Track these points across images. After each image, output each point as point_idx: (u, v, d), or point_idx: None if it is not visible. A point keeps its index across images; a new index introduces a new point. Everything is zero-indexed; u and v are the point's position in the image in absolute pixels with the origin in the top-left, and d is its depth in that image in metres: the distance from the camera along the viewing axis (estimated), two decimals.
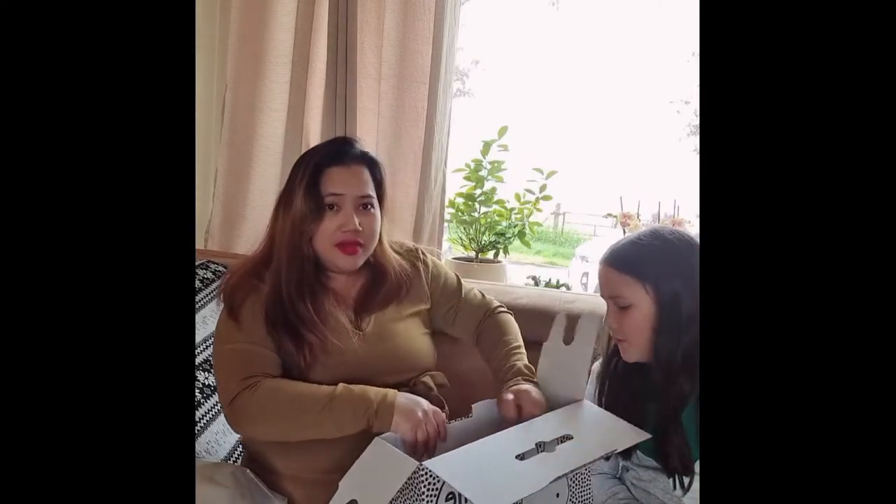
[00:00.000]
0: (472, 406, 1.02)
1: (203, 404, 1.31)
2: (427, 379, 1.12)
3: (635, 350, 1.04)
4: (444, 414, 0.99)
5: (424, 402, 0.99)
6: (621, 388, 1.08)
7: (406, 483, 0.86)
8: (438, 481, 0.83)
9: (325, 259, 1.09)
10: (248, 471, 1.06)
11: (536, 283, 2.16)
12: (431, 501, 0.83)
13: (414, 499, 0.85)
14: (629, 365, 1.07)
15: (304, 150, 1.92)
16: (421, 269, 1.19)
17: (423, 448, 0.94)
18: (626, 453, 1.09)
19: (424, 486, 0.83)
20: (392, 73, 1.87)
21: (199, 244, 2.00)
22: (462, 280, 1.26)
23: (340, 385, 1.01)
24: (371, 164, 1.11)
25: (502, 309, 1.25)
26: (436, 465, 0.82)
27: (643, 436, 0.94)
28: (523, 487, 0.80)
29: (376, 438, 0.91)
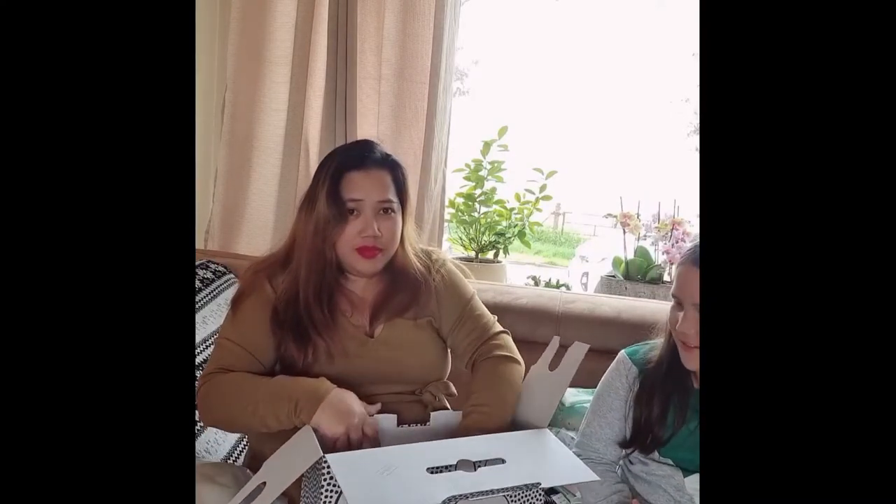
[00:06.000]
0: (431, 415, 1.03)
1: None
2: (433, 388, 1.12)
3: None
4: (375, 425, 0.96)
5: (358, 407, 0.96)
6: (666, 385, 1.09)
7: (310, 473, 0.86)
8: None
9: (346, 262, 1.09)
10: (248, 471, 1.06)
11: (536, 283, 2.16)
12: (331, 498, 0.82)
13: (316, 489, 0.84)
14: (678, 370, 1.07)
15: (303, 150, 1.94)
16: (436, 280, 1.16)
17: (343, 447, 0.92)
18: (647, 449, 1.09)
19: (325, 481, 0.82)
20: (392, 73, 1.87)
21: (199, 244, 2.00)
22: (474, 299, 1.18)
23: (276, 378, 1.01)
24: (393, 167, 1.09)
25: (502, 351, 1.12)
26: (338, 459, 0.82)
27: (589, 476, 0.89)
28: (405, 497, 0.78)
29: (306, 426, 0.91)
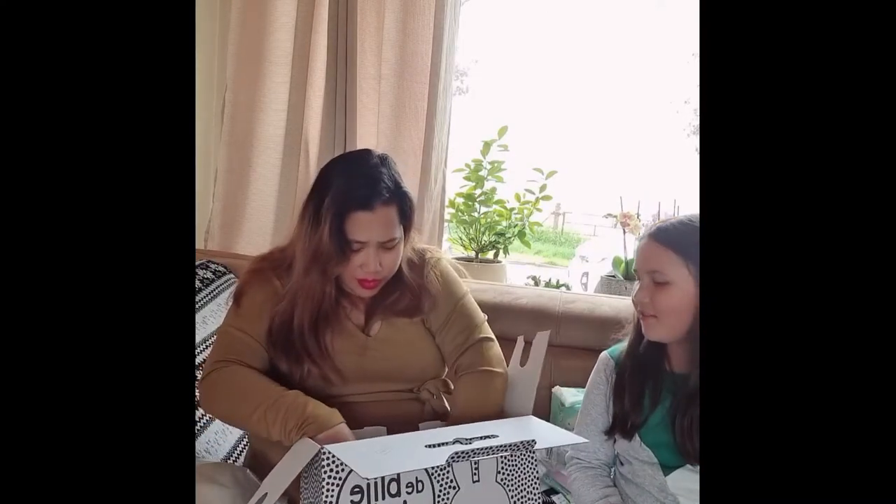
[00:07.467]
0: (420, 425, 1.05)
1: None
2: (431, 386, 1.12)
3: (663, 328, 1.05)
4: None
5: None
6: (639, 369, 1.10)
7: (310, 469, 0.87)
8: (342, 471, 0.84)
9: (345, 284, 1.08)
10: (248, 471, 1.06)
11: (536, 283, 2.16)
12: (332, 490, 0.83)
13: (317, 486, 0.85)
14: (648, 346, 1.09)
15: (303, 150, 1.94)
16: (431, 280, 1.15)
17: None
18: (628, 433, 1.09)
19: (326, 473, 0.83)
20: (392, 72, 1.87)
21: (199, 244, 2.00)
22: (466, 297, 1.18)
23: (293, 392, 0.99)
24: (401, 199, 1.05)
25: (484, 366, 1.10)
26: (337, 447, 0.85)
27: (579, 440, 0.97)
28: (409, 463, 0.82)
29: (304, 437, 0.91)
